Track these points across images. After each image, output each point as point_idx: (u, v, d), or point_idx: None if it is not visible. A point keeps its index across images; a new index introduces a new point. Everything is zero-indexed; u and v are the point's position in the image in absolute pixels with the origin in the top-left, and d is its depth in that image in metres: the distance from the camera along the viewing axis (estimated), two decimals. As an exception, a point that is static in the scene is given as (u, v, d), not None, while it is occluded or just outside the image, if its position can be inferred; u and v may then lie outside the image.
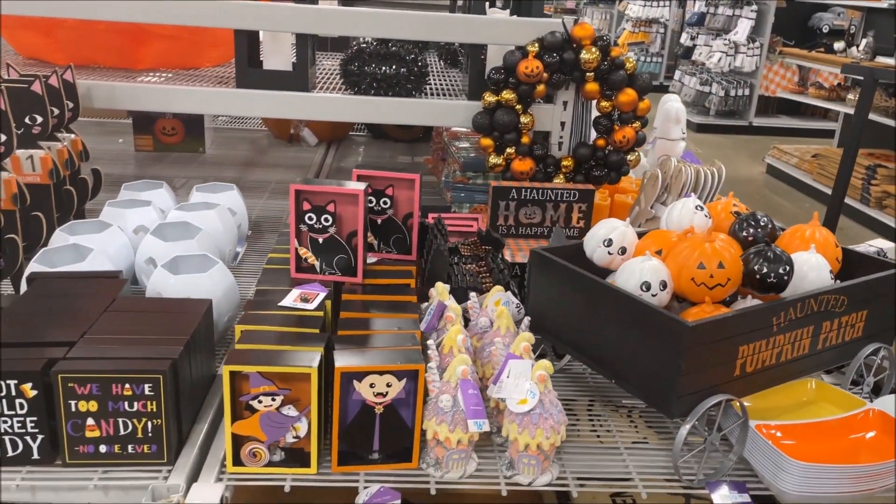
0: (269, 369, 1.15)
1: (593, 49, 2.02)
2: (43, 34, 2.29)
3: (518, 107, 2.08)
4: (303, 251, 1.49)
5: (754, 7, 9.88)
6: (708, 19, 10.94)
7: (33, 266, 1.54)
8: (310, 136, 3.57)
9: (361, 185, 1.46)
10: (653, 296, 1.25)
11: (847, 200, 5.72)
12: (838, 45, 8.23)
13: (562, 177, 2.15)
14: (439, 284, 1.49)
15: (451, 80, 2.61)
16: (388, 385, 1.18)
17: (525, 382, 1.19)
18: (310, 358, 1.18)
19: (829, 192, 6.77)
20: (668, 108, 2.50)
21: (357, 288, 1.49)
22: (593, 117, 2.17)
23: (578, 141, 2.19)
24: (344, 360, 1.18)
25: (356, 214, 1.47)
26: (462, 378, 1.20)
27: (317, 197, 1.46)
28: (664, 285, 1.26)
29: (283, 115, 2.15)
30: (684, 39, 11.71)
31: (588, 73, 2.06)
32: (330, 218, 1.46)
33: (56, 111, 1.86)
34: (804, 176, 7.35)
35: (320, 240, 1.48)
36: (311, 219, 1.47)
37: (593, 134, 2.21)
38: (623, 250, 1.39)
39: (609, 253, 1.39)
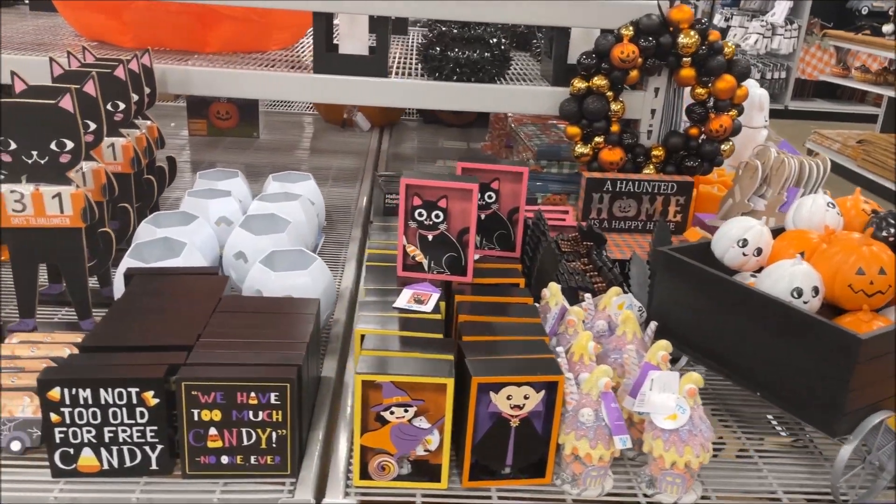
0: (404, 379, 1.08)
1: (692, 33, 1.92)
2: (110, 15, 2.21)
3: (609, 94, 1.98)
4: (411, 248, 1.41)
5: (793, -13, 9.63)
6: (742, 1, 10.68)
7: (128, 261, 1.47)
8: (363, 120, 3.49)
9: (474, 181, 1.38)
10: (804, 303, 1.16)
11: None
12: (887, 28, 7.99)
13: (652, 167, 2.05)
14: (553, 285, 1.41)
15: (523, 65, 2.51)
16: (526, 397, 1.11)
17: (672, 396, 1.12)
18: (444, 367, 1.11)
19: (875, 178, 6.61)
20: (752, 95, 2.39)
21: (466, 288, 1.42)
22: (686, 104, 2.07)
23: (668, 129, 2.09)
24: (479, 369, 1.10)
25: (469, 211, 1.39)
26: (604, 391, 1.12)
27: (428, 192, 1.38)
28: (816, 291, 1.17)
29: (361, 101, 2.07)
30: (718, 21, 11.45)
31: (684, 59, 1.95)
32: (441, 214, 1.39)
33: (136, 97, 1.79)
34: (848, 162, 7.17)
35: (430, 237, 1.41)
36: (420, 215, 1.39)
37: (683, 122, 2.11)
38: (759, 251, 1.31)
39: (744, 254, 1.31)
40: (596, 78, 1.96)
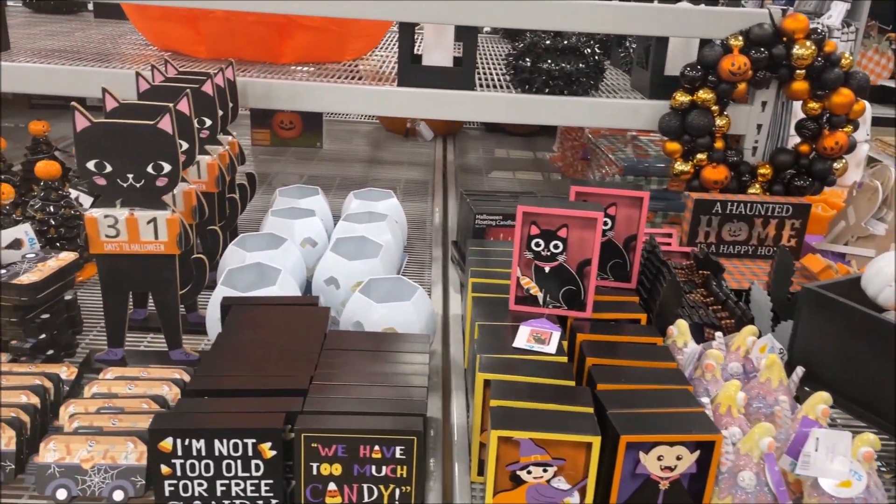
0: (545, 436, 0.98)
1: (808, 43, 1.79)
2: (185, 26, 2.15)
3: (714, 108, 1.86)
4: (525, 281, 1.31)
5: (851, -13, 9.32)
6: (797, 3, 10.40)
7: (222, 290, 1.39)
8: (426, 130, 3.40)
9: (598, 208, 1.27)
10: None
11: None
12: (955, 30, 7.66)
13: (757, 186, 1.92)
14: (681, 323, 1.30)
15: (609, 75, 2.39)
16: (679, 458, 1.00)
17: (845, 460, 0.99)
18: (586, 423, 1.00)
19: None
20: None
21: (585, 325, 1.31)
22: (795, 119, 1.93)
23: (775, 146, 1.96)
24: (626, 426, 1.00)
25: (591, 241, 1.28)
26: (767, 452, 1.00)
27: (547, 220, 1.27)
28: None
29: (447, 115, 1.97)
30: (770, 22, 11.15)
31: (798, 71, 1.82)
32: (560, 244, 1.28)
33: (220, 112, 1.71)
34: (914, 169, 6.89)
35: (547, 268, 1.30)
36: (538, 245, 1.29)
37: (789, 138, 1.98)
38: (921, 292, 1.18)
39: (905, 295, 1.18)
40: (701, 91, 1.84)
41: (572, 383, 1.11)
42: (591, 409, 1.03)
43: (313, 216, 1.80)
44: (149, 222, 1.32)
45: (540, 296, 1.31)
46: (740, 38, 1.81)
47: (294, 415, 1.02)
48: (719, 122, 1.87)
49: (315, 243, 1.77)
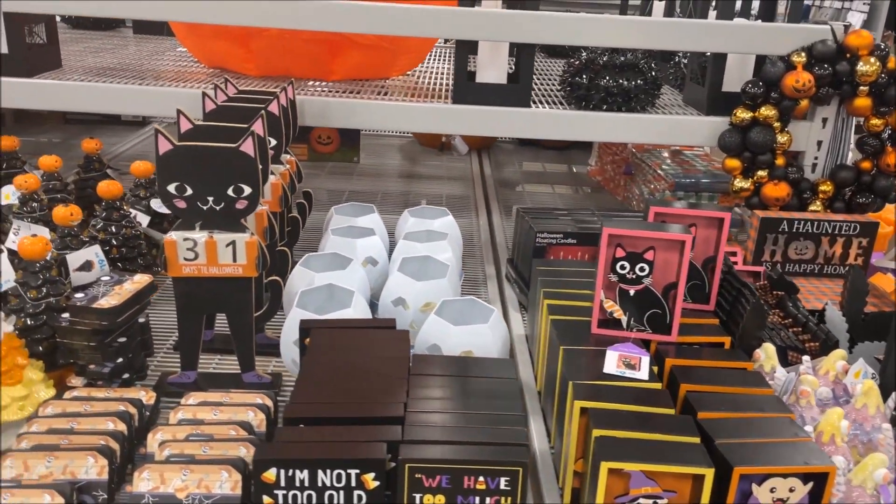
0: (657, 468, 0.96)
1: (872, 60, 1.77)
2: (237, 44, 2.15)
3: (776, 124, 1.84)
4: (609, 304, 1.29)
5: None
6: (813, 12, 10.36)
7: (298, 312, 1.38)
8: (461, 144, 3.39)
9: (686, 231, 1.25)
10: None
11: None
12: (979, 39, 7.62)
13: (818, 203, 1.90)
14: (769, 347, 1.28)
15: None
16: (792, 489, 0.98)
17: (963, 491, 0.97)
18: (695, 453, 0.98)
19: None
20: None
21: (670, 349, 1.29)
22: (856, 136, 1.91)
23: (834, 162, 1.94)
24: (738, 457, 0.98)
25: (678, 264, 1.26)
26: (882, 483, 0.98)
27: (634, 242, 1.26)
28: None
29: (503, 132, 1.96)
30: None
31: (861, 87, 1.80)
32: (647, 267, 1.26)
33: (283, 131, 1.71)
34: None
35: (631, 291, 1.28)
36: (623, 268, 1.27)
37: (849, 154, 1.96)
38: None
39: None
40: (764, 108, 1.82)
41: (672, 411, 1.09)
42: (697, 439, 1.01)
43: (373, 235, 1.79)
44: (227, 245, 1.31)
45: (624, 319, 1.29)
46: (803, 54, 1.79)
47: (394, 444, 1.01)
48: (781, 138, 1.85)
49: (376, 262, 1.76)
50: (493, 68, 1.99)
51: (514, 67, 1.98)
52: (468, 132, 1.97)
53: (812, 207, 1.90)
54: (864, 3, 10.17)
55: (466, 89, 1.95)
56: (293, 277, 1.59)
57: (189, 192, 1.28)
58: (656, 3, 2.92)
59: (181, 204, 1.29)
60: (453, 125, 1.96)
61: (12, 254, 1.53)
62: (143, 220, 1.86)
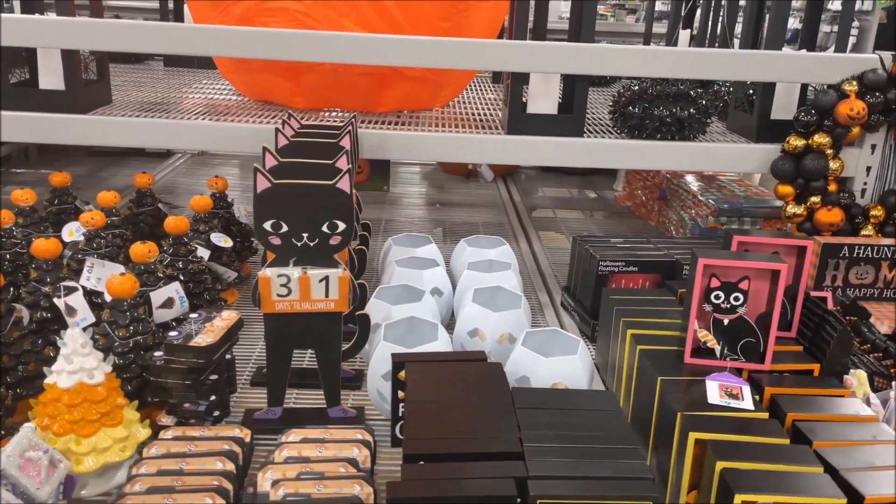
0: (791, 500, 0.97)
1: (922, 88, 1.81)
2: (286, 77, 2.17)
3: (829, 151, 1.87)
4: (703, 334, 1.30)
5: (855, 23, 9.48)
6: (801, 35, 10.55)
7: (387, 346, 1.38)
8: (487, 171, 3.42)
9: (780, 261, 1.27)
10: None
11: None
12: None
13: (870, 228, 1.93)
14: (860, 374, 1.29)
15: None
16: (920, 516, 0.99)
17: None
18: (824, 485, 0.99)
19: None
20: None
21: (763, 377, 1.30)
22: None
23: (883, 187, 1.98)
24: (867, 486, 0.98)
25: (771, 292, 1.28)
26: None
27: (729, 272, 1.28)
28: None
29: (557, 162, 1.99)
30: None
31: (911, 115, 1.85)
32: (741, 297, 1.28)
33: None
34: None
35: (725, 321, 1.30)
36: (718, 297, 1.28)
37: (896, 179, 2.00)
38: None
39: None
40: (818, 135, 1.86)
41: (786, 441, 1.10)
42: (821, 469, 1.02)
43: (438, 266, 1.80)
44: (321, 280, 1.31)
45: (717, 348, 1.31)
46: (854, 83, 1.83)
47: (521, 480, 1.01)
48: (833, 165, 1.88)
49: (441, 293, 1.77)
50: (544, 99, 2.02)
51: (562, 97, 2.01)
52: (523, 162, 2.00)
53: (864, 232, 1.93)
54: (852, 28, 10.34)
55: (521, 120, 1.97)
56: (370, 309, 1.59)
57: (284, 228, 1.28)
58: (682, 32, 2.98)
59: (276, 241, 1.29)
60: (509, 155, 1.98)
61: (88, 292, 1.53)
62: (204, 254, 1.85)
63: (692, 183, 2.54)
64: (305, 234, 1.29)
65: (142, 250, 1.50)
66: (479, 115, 2.38)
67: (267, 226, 1.28)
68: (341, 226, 1.30)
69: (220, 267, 1.83)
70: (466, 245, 1.97)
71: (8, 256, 1.66)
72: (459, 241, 2.06)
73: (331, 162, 1.41)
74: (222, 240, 1.87)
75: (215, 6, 2.05)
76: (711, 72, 1.91)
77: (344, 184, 1.28)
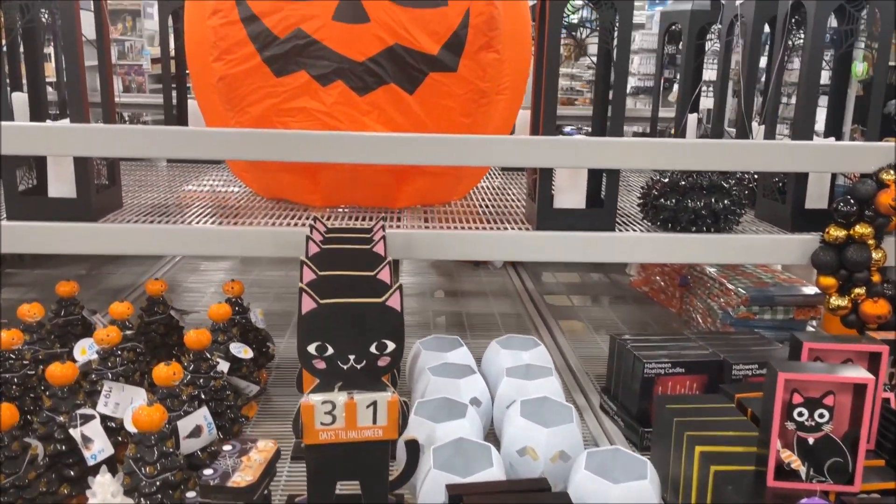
0: None
1: (962, 176, 1.78)
2: (303, 175, 2.10)
3: (871, 241, 1.82)
4: (786, 454, 1.20)
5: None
6: (781, 108, 10.84)
7: (439, 475, 1.26)
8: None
9: (864, 372, 1.19)
10: None
11: None
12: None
13: (918, 319, 1.86)
14: (959, 491, 1.19)
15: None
16: None
17: None
18: None
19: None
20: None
21: (853, 500, 1.19)
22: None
23: (926, 276, 1.92)
24: None
25: (857, 407, 1.19)
26: None
27: (812, 387, 1.19)
28: None
29: (588, 258, 1.91)
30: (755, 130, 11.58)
31: (952, 202, 1.80)
32: (826, 414, 1.19)
33: (380, 270, 1.63)
34: None
35: (811, 440, 1.20)
36: (801, 415, 1.19)
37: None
38: None
39: None
40: (859, 226, 1.81)
41: (907, 583, 0.98)
42: None
43: (474, 374, 1.70)
44: (368, 406, 1.21)
45: (802, 470, 1.20)
46: (892, 172, 1.80)
47: None
48: (876, 255, 1.83)
49: (480, 403, 1.66)
50: (572, 192, 1.96)
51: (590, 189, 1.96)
52: (555, 259, 1.92)
53: (911, 322, 1.86)
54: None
55: (550, 215, 1.91)
56: (410, 428, 1.47)
57: (330, 351, 1.18)
58: (689, 116, 2.98)
59: (320, 364, 1.19)
60: (540, 253, 1.91)
61: (103, 417, 1.41)
62: (224, 366, 1.74)
63: (714, 269, 2.48)
64: (352, 357, 1.19)
65: (166, 373, 1.38)
66: (500, 206, 2.32)
67: (311, 349, 1.18)
68: (391, 346, 1.20)
69: (242, 381, 1.72)
70: (500, 347, 1.88)
71: (16, 380, 1.53)
72: (487, 340, 1.97)
73: (373, 274, 1.33)
74: (242, 350, 1.76)
75: (231, 107, 2.00)
76: (746, 163, 1.88)
77: (395, 301, 1.18)
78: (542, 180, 1.90)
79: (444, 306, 2.89)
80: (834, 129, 2.09)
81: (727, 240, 1.89)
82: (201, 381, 1.58)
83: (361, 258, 1.49)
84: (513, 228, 1.97)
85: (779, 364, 1.20)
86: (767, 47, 2.53)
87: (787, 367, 1.20)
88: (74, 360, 1.67)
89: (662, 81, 3.38)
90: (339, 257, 1.48)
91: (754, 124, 2.43)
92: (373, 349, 1.19)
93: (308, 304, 1.16)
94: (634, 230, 1.94)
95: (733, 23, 2.49)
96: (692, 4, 2.84)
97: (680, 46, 2.77)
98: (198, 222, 1.89)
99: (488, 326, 2.58)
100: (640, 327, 2.61)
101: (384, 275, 1.33)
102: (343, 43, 1.89)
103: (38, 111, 1.91)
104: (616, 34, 1.84)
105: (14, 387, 1.53)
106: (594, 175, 2.00)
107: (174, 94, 2.82)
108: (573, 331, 2.60)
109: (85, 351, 1.63)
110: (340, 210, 2.14)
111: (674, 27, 2.98)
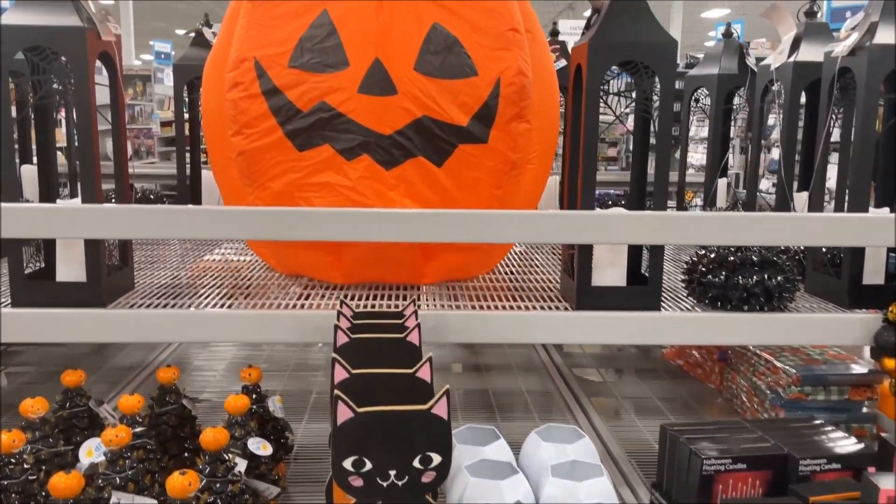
0: None
1: None
2: (325, 252, 1.99)
3: (939, 321, 1.69)
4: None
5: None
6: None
7: None
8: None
9: (979, 485, 1.04)
10: None
11: None
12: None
13: None
14: None
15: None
16: None
17: None
18: None
19: None
20: None
21: None
22: None
23: None
24: None
25: (973, 527, 1.04)
26: None
27: (920, 505, 1.04)
28: None
29: (633, 340, 1.79)
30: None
31: None
32: (939, 534, 1.04)
33: (413, 359, 1.50)
34: None
35: (921, 565, 1.04)
36: (909, 535, 1.04)
37: None
38: None
39: None
40: (925, 304, 1.68)
41: None
42: None
43: (517, 473, 1.55)
44: (412, 530, 1.06)
45: None
46: (957, 244, 1.68)
47: None
48: (945, 335, 1.69)
49: (527, 506, 1.50)
50: (612, 268, 1.84)
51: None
52: (597, 341, 1.79)
53: None
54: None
55: (590, 293, 1.79)
56: (451, 543, 1.32)
57: (368, 466, 1.05)
58: (720, 181, 2.89)
59: (357, 482, 1.05)
60: (582, 335, 1.78)
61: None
62: (241, 464, 1.59)
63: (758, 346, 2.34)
64: (393, 472, 1.05)
65: (181, 485, 1.24)
66: (529, 279, 2.21)
67: (348, 464, 1.04)
68: (437, 459, 1.06)
69: (261, 483, 1.56)
70: (540, 440, 1.72)
71: (16, 487, 1.39)
72: (519, 424, 1.83)
73: (412, 371, 1.20)
74: (261, 446, 1.62)
75: (251, 182, 1.90)
76: (798, 238, 1.76)
77: (441, 408, 1.05)
78: (581, 256, 1.78)
79: (467, 382, 2.73)
80: (886, 200, 1.98)
81: (783, 319, 1.76)
82: (218, 485, 1.44)
83: (395, 349, 1.37)
84: (548, 306, 1.84)
85: (879, 477, 1.05)
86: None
87: (888, 482, 1.05)
88: (79, 460, 1.53)
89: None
90: (372, 349, 1.36)
91: (796, 193, 2.33)
92: (416, 463, 1.06)
93: (344, 414, 1.03)
94: (679, 308, 1.81)
95: (768, 87, 2.41)
96: (719, 68, 2.78)
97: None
98: (213, 304, 1.77)
99: (519, 407, 2.42)
100: (682, 408, 2.45)
101: (424, 372, 1.20)
102: (369, 116, 1.80)
103: (49, 188, 1.82)
104: (657, 103, 1.75)
105: (14, 495, 1.39)
106: (633, 248, 1.89)
107: (187, 164, 2.74)
108: (609, 411, 2.44)
109: (91, 452, 1.49)
110: (362, 288, 2.03)
111: (699, 90, 2.92)
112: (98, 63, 1.71)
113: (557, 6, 16.26)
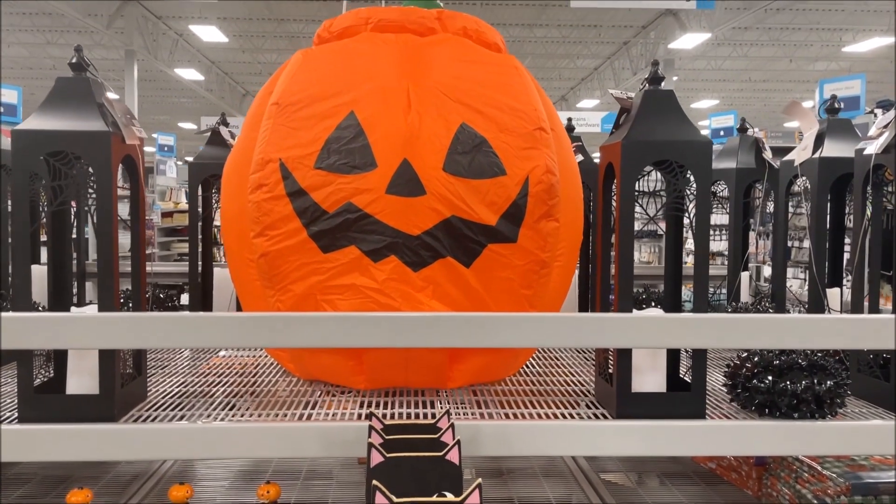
0: None
1: None
2: (347, 356, 1.90)
3: None
4: None
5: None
6: (797, 254, 10.70)
7: None
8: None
9: None
10: None
11: None
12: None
13: None
14: None
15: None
16: None
17: None
18: None
19: None
20: None
21: None
22: None
23: None
24: None
25: None
26: None
27: None
28: None
29: (679, 452, 1.69)
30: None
31: None
32: None
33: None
34: None
35: None
36: None
37: None
38: None
39: None
40: None
41: None
42: None
43: None
44: None
45: None
46: None
47: None
48: None
49: None
50: (652, 374, 1.76)
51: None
52: (642, 454, 1.69)
53: None
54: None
55: (630, 401, 1.69)
56: None
57: None
58: (742, 274, 2.83)
59: None
60: (625, 446, 1.67)
61: None
62: None
63: (801, 449, 2.22)
64: None
65: None
66: (556, 380, 2.11)
67: None
68: None
69: None
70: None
71: None
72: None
73: (460, 500, 1.10)
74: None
75: (272, 284, 1.83)
76: (849, 341, 1.68)
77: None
78: (620, 361, 1.70)
79: (489, 489, 2.58)
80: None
81: (837, 428, 1.66)
82: None
83: (434, 468, 1.26)
84: (586, 413, 1.74)
85: None
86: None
87: None
88: None
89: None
90: (409, 469, 1.25)
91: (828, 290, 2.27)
92: None
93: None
94: (725, 416, 1.71)
95: (791, 182, 2.39)
96: (736, 162, 2.77)
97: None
98: (231, 413, 1.67)
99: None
100: (723, 518, 2.30)
101: (473, 500, 1.09)
102: (397, 216, 1.75)
103: (62, 295, 1.75)
104: (693, 204, 1.70)
105: None
106: (671, 351, 1.80)
107: (199, 262, 2.68)
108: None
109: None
110: (384, 394, 1.93)
111: (717, 183, 2.91)
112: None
113: (551, 98, 16.72)
